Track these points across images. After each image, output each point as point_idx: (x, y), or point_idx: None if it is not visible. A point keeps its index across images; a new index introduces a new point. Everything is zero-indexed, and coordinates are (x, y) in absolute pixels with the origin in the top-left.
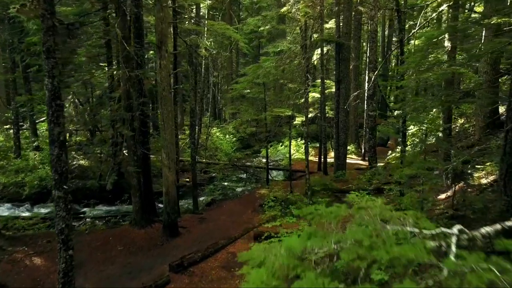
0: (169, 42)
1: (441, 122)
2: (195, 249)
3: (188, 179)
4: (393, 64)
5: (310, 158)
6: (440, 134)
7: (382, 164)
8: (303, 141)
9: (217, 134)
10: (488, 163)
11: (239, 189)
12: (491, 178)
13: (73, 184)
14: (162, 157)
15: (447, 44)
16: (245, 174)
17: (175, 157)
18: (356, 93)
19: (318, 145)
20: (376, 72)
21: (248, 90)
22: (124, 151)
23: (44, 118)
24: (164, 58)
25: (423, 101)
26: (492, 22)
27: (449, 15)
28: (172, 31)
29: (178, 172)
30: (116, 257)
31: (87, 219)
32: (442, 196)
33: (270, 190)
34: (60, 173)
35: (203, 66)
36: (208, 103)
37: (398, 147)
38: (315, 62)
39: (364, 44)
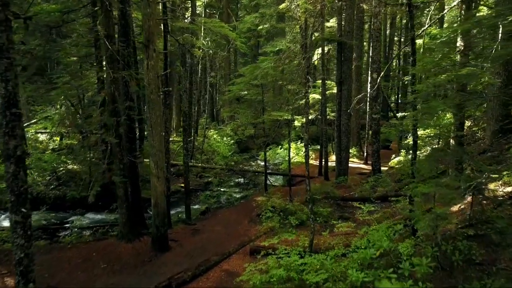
0: (160, 41)
1: (452, 128)
2: (186, 265)
3: (182, 185)
4: (395, 64)
5: (310, 161)
6: (452, 141)
7: (385, 168)
8: (303, 144)
9: (214, 136)
10: (504, 172)
11: (236, 195)
12: (508, 189)
13: (61, 191)
14: (151, 166)
15: (459, 43)
16: (242, 179)
17: (164, 165)
18: (360, 95)
19: (318, 147)
20: (382, 73)
21: (245, 92)
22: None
23: (34, 120)
24: (152, 58)
25: (441, 107)
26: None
27: (462, 11)
28: (162, 29)
29: (169, 179)
30: (98, 276)
31: (73, 229)
32: (455, 208)
33: (269, 198)
34: (18, 194)
35: (200, 66)
36: (206, 104)
37: (401, 150)
38: (316, 62)
39: (365, 43)
